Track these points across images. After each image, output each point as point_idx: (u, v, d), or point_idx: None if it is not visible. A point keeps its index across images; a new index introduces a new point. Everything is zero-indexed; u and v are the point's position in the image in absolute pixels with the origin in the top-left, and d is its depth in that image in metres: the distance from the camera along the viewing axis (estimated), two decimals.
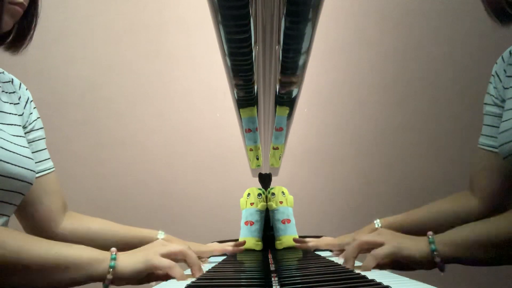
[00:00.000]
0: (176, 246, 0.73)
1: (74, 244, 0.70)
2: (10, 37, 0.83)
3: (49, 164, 0.97)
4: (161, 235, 1.03)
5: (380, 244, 0.74)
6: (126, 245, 0.96)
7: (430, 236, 0.73)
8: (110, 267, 0.67)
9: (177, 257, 0.72)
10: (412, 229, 1.00)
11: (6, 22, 0.76)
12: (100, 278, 0.67)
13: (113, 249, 0.70)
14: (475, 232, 0.73)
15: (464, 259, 0.73)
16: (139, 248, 0.73)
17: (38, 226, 0.94)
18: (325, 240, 1.10)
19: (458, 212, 1.00)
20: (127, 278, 0.68)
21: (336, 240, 1.08)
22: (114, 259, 0.68)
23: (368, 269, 0.71)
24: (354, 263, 0.78)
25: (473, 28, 2.04)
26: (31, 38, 0.86)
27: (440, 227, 0.97)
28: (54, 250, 0.66)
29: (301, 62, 0.66)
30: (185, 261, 0.74)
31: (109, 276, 0.67)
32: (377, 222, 1.04)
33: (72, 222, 0.99)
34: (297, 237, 1.19)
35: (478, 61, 2.03)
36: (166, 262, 0.68)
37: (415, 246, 0.73)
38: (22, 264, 0.64)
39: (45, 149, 0.96)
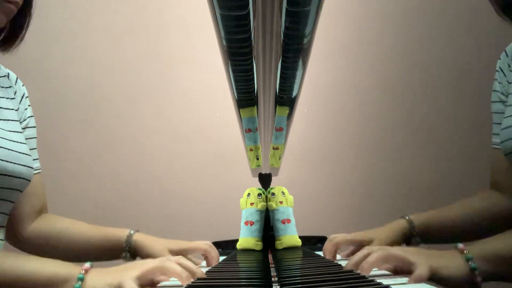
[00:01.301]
0: (151, 263, 0.62)
1: (40, 258, 0.64)
2: (2, 36, 0.83)
3: (37, 165, 0.94)
4: (132, 233, 0.94)
5: (409, 263, 0.63)
6: (93, 246, 0.94)
7: (466, 251, 0.64)
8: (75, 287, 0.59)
9: (155, 276, 0.63)
10: (445, 227, 0.97)
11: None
12: None
13: (86, 265, 0.62)
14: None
15: (504, 275, 0.66)
16: (113, 268, 0.63)
17: (6, 226, 0.88)
18: (346, 237, 0.99)
19: (491, 210, 0.97)
20: None
21: (359, 236, 0.98)
22: (81, 279, 0.59)
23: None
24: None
25: (473, 28, 2.04)
26: (22, 38, 0.85)
27: (474, 226, 0.94)
28: (15, 264, 0.61)
29: (301, 61, 0.66)
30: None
31: None
32: (409, 218, 0.96)
33: (39, 223, 0.94)
34: (297, 237, 1.18)
35: (478, 61, 2.03)
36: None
37: (452, 264, 0.63)
38: None
39: (35, 149, 0.93)
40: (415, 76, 2.12)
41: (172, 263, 0.62)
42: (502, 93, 0.92)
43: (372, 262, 0.64)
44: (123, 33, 2.09)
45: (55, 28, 2.02)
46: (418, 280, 0.59)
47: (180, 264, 0.63)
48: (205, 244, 0.97)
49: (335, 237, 0.98)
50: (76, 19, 2.09)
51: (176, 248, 0.94)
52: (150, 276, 0.62)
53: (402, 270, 0.65)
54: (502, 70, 0.93)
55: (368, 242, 0.93)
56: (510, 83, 0.90)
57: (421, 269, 0.60)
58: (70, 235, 0.94)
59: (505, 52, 0.94)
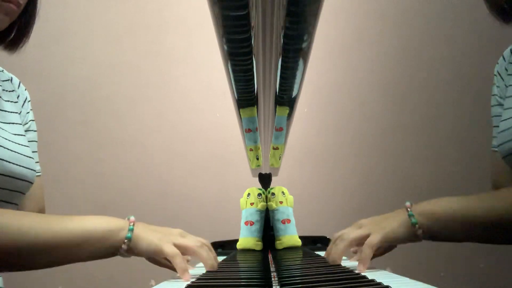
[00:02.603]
0: (191, 242, 0.71)
1: (90, 217, 0.69)
2: (11, 36, 0.83)
3: (37, 168, 0.95)
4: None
5: (367, 236, 0.73)
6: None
7: (409, 209, 0.73)
8: (127, 238, 0.67)
9: (188, 252, 0.71)
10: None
11: (1, 20, 0.76)
12: (115, 248, 0.67)
13: (132, 218, 0.69)
14: (460, 208, 0.72)
15: (443, 234, 0.73)
16: (157, 227, 0.72)
17: None
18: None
19: None
20: (137, 253, 0.68)
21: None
22: (132, 230, 0.67)
23: (367, 259, 0.71)
24: (341, 260, 0.78)
25: (473, 28, 2.04)
26: (28, 37, 0.85)
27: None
28: (69, 226, 0.66)
29: (301, 61, 0.66)
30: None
31: (124, 247, 0.67)
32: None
33: None
34: (297, 237, 1.18)
35: (478, 61, 2.03)
36: (179, 260, 0.67)
37: (397, 224, 0.73)
38: (39, 245, 0.63)
39: (35, 152, 0.95)
40: (415, 76, 2.12)
41: (206, 251, 0.71)
42: (501, 97, 0.94)
43: (338, 251, 0.75)
44: (123, 33, 2.09)
45: (55, 28, 2.03)
46: (371, 244, 0.71)
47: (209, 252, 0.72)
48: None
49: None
50: (76, 19, 2.09)
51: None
52: (183, 250, 0.69)
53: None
54: (499, 74, 0.95)
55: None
56: (507, 86, 0.90)
57: (374, 236, 0.72)
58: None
59: (503, 57, 0.95)
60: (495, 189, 1.01)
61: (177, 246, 0.68)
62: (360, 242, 0.75)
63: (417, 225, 0.71)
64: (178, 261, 0.67)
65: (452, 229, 0.72)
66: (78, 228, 0.66)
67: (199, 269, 0.80)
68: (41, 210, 0.98)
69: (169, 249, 0.67)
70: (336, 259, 0.76)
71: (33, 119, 0.95)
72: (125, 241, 0.67)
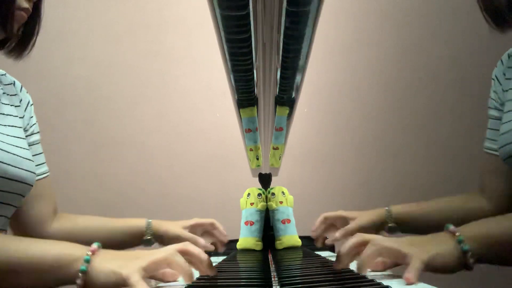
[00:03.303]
0: (159, 254, 0.60)
1: (45, 240, 0.63)
2: (15, 43, 0.84)
3: (45, 168, 0.98)
4: (149, 222, 1.03)
5: (403, 255, 0.61)
6: (115, 237, 1.01)
7: (457, 233, 0.63)
8: (81, 271, 0.57)
9: (161, 267, 0.61)
10: (421, 219, 1.04)
11: (13, 28, 0.77)
12: (70, 280, 0.58)
13: (94, 246, 0.60)
14: (505, 228, 0.64)
15: (495, 256, 0.66)
16: (121, 253, 0.62)
17: (27, 229, 0.94)
18: (336, 212, 1.10)
19: (467, 209, 1.01)
20: (98, 287, 0.58)
21: (345, 212, 1.09)
22: (88, 261, 0.57)
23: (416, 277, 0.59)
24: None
25: (473, 28, 2.04)
26: (34, 43, 0.86)
27: (447, 221, 1.01)
28: (12, 248, 0.59)
29: (301, 61, 0.66)
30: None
31: (79, 282, 0.57)
32: (388, 208, 1.06)
33: (60, 222, 1.00)
34: (297, 237, 1.19)
35: (478, 61, 2.03)
36: (135, 279, 0.55)
37: (444, 249, 0.63)
38: None
39: (41, 153, 0.97)
40: (415, 76, 2.12)
41: (179, 257, 0.60)
42: (497, 101, 0.95)
43: (366, 258, 0.63)
44: (123, 33, 2.09)
45: (55, 28, 2.02)
46: (413, 275, 0.58)
47: (187, 251, 0.62)
48: (211, 220, 1.08)
49: (324, 214, 1.08)
50: (76, 19, 2.09)
51: (187, 225, 1.05)
52: (156, 267, 0.60)
53: (396, 262, 0.64)
54: (497, 79, 0.95)
55: (352, 219, 1.04)
56: (505, 91, 0.91)
57: (415, 263, 0.60)
58: (93, 229, 1.01)
59: (501, 61, 0.96)
60: (483, 188, 1.02)
61: (145, 267, 0.58)
62: (390, 256, 0.64)
63: (469, 253, 0.62)
64: (133, 280, 0.55)
65: (506, 250, 0.65)
66: (22, 252, 0.58)
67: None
68: (55, 208, 1.01)
69: (126, 272, 0.56)
70: (363, 265, 0.62)
71: (36, 122, 0.96)
72: (80, 274, 0.57)
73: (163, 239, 1.03)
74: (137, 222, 1.03)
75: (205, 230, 1.09)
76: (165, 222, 1.04)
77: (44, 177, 0.96)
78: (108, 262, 0.58)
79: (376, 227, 1.05)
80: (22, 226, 0.95)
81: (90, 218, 1.04)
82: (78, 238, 0.91)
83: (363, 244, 0.65)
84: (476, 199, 1.03)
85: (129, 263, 0.58)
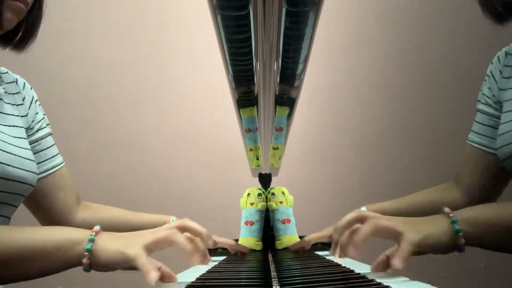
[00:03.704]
0: (161, 233, 0.62)
1: (48, 227, 0.64)
2: (18, 36, 0.83)
3: (60, 159, 0.99)
4: (173, 219, 1.04)
5: (397, 233, 0.63)
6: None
7: (451, 215, 0.65)
8: (87, 250, 0.58)
9: (163, 245, 0.62)
10: (396, 216, 1.04)
11: (9, 20, 0.75)
12: (75, 262, 0.60)
13: (96, 228, 0.61)
14: (501, 214, 0.65)
15: (487, 240, 0.66)
16: (122, 234, 0.63)
17: (53, 220, 0.96)
18: (314, 235, 1.09)
19: (440, 203, 1.01)
20: (103, 266, 0.60)
21: (325, 231, 1.08)
22: (92, 241, 0.59)
23: (406, 258, 0.62)
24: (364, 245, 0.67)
25: (473, 28, 2.04)
26: (35, 36, 0.86)
27: (421, 216, 1.03)
28: (15, 237, 0.60)
29: (301, 61, 0.66)
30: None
31: (85, 261, 0.59)
32: (364, 208, 1.08)
33: (86, 212, 1.02)
34: (297, 237, 1.19)
35: (478, 61, 2.03)
36: (143, 261, 0.57)
37: (437, 229, 0.64)
38: None
39: (53, 144, 0.98)
40: (415, 76, 2.12)
41: (180, 235, 0.62)
42: (489, 98, 0.95)
43: (363, 236, 0.65)
44: (123, 33, 2.09)
45: (55, 28, 2.02)
46: (405, 253, 0.61)
47: (186, 226, 0.66)
48: (231, 242, 1.08)
49: (307, 237, 1.08)
50: (76, 19, 2.09)
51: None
52: (157, 245, 0.62)
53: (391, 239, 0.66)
54: (493, 76, 0.95)
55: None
56: (502, 90, 0.91)
57: (408, 240, 0.62)
58: (119, 222, 1.03)
59: (498, 58, 0.96)
60: (458, 179, 1.04)
61: (147, 245, 0.60)
62: (386, 234, 0.65)
63: (460, 233, 0.64)
64: (141, 261, 0.57)
65: (500, 237, 0.66)
66: (25, 240, 0.59)
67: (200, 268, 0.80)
68: (78, 196, 1.02)
69: (132, 251, 0.58)
70: (360, 242, 0.65)
71: (43, 116, 0.96)
72: (85, 253, 0.59)
73: None
74: (163, 219, 1.04)
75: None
76: (191, 223, 1.05)
77: (61, 167, 0.97)
78: (112, 241, 0.60)
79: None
80: (49, 218, 0.96)
81: (114, 210, 1.06)
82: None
83: (360, 220, 0.68)
84: (451, 190, 1.04)
85: (132, 242, 0.60)
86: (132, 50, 2.09)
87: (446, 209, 0.67)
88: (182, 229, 0.65)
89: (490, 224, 0.65)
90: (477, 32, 2.02)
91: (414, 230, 0.63)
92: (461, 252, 0.65)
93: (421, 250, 0.64)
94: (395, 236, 0.64)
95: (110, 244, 0.60)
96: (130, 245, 0.59)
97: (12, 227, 0.65)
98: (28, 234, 0.61)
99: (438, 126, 2.09)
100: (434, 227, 0.65)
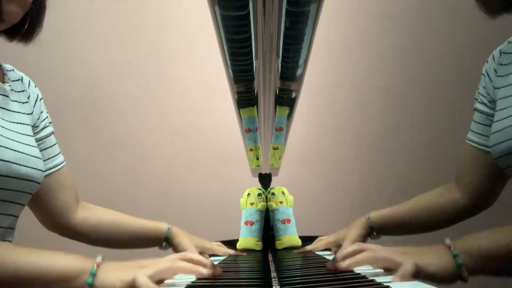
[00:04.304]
0: (164, 263, 0.63)
1: (53, 252, 0.63)
2: (25, 28, 0.83)
3: (61, 158, 0.99)
4: (169, 228, 1.05)
5: (396, 264, 0.63)
6: (137, 236, 1.04)
7: (452, 248, 0.66)
8: (87, 284, 0.59)
9: (167, 275, 0.64)
10: (400, 222, 1.06)
11: (14, 12, 0.75)
12: None
13: (98, 259, 0.62)
14: (498, 241, 0.66)
15: (490, 270, 0.67)
16: (125, 264, 0.64)
17: (53, 219, 0.96)
18: (322, 241, 1.10)
19: (442, 205, 1.03)
20: None
21: (332, 237, 1.09)
22: (94, 275, 0.60)
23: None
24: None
25: (472, 27, 2.04)
26: (41, 26, 0.86)
27: (425, 219, 1.03)
28: (21, 260, 0.60)
29: (301, 61, 0.66)
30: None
31: None
32: (368, 216, 1.07)
33: (85, 213, 1.02)
34: (297, 237, 1.19)
35: (478, 61, 2.03)
36: (145, 285, 0.58)
37: (439, 261, 0.65)
38: None
39: (56, 143, 0.98)
40: (415, 76, 2.12)
41: (182, 262, 0.64)
42: (485, 96, 0.95)
43: (358, 261, 0.65)
44: (123, 33, 2.09)
45: (55, 28, 2.02)
46: (402, 278, 0.60)
47: (190, 259, 0.65)
48: (225, 252, 1.11)
49: (313, 247, 1.10)
50: (76, 19, 2.09)
51: (200, 245, 1.06)
52: (161, 275, 0.62)
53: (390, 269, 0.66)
54: (488, 75, 0.95)
55: (342, 240, 1.04)
56: (497, 88, 0.91)
57: (406, 267, 0.61)
58: (117, 226, 1.03)
59: (492, 56, 0.96)
60: (459, 179, 1.03)
61: (152, 276, 0.60)
62: (385, 264, 0.66)
63: (463, 267, 0.64)
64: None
65: (502, 264, 0.66)
66: (31, 264, 0.60)
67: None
68: (77, 196, 1.02)
69: (142, 280, 0.58)
70: (353, 266, 0.66)
71: (47, 115, 0.96)
72: (86, 287, 0.59)
73: (176, 249, 1.04)
74: (159, 227, 1.05)
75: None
76: (182, 234, 1.05)
77: (62, 167, 0.97)
78: (114, 273, 0.60)
79: (364, 236, 1.07)
80: (49, 218, 0.96)
81: (113, 214, 1.06)
82: (103, 235, 0.99)
83: (361, 252, 0.68)
84: (451, 191, 1.04)
85: (136, 271, 0.60)
86: (132, 50, 2.09)
87: (447, 241, 0.67)
88: (184, 260, 0.65)
89: (491, 255, 0.66)
90: (477, 32, 2.02)
91: (413, 259, 0.63)
92: (465, 282, 0.65)
93: (426, 278, 0.64)
94: (394, 266, 0.63)
95: (112, 276, 0.60)
96: (134, 274, 0.59)
97: (18, 248, 0.64)
98: (35, 258, 0.61)
99: (438, 126, 2.09)
100: (436, 259, 0.65)
